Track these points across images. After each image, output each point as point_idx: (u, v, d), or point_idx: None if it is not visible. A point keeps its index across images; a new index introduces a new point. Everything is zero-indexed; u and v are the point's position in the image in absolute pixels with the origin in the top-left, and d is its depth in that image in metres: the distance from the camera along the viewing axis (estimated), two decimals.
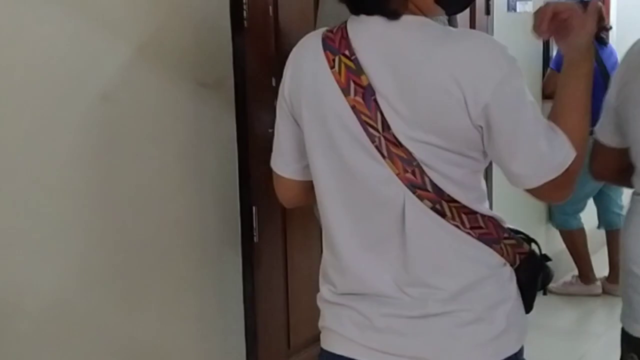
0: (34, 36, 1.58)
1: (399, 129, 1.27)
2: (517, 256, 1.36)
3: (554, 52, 4.13)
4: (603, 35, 3.97)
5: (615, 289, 4.25)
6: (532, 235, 1.42)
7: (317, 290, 2.38)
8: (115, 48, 1.76)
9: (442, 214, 1.29)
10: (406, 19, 1.28)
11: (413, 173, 1.28)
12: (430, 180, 1.28)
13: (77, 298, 1.71)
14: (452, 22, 1.78)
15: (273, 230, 2.27)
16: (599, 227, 4.36)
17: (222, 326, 2.17)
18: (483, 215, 1.33)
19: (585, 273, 4.20)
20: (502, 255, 1.35)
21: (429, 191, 1.28)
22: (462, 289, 1.31)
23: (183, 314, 2.02)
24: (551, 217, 4.37)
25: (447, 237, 1.31)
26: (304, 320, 2.40)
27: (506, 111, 1.24)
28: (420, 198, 1.29)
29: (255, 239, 2.19)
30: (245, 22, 2.09)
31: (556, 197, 1.40)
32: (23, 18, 1.56)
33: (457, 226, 1.30)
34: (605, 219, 4.29)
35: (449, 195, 1.29)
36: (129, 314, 1.85)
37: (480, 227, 1.32)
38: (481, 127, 1.26)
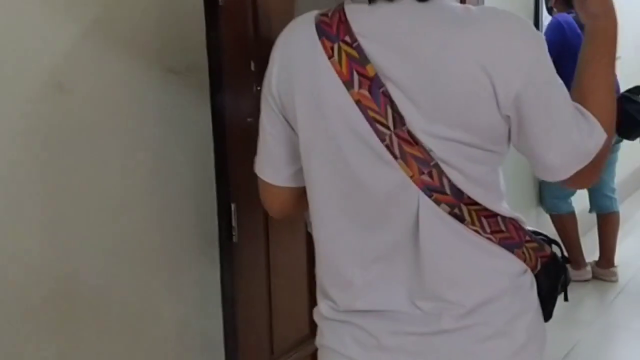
0: None
1: (415, 123, 1.12)
2: (539, 260, 1.25)
3: (543, 30, 4.00)
4: None
5: (605, 273, 4.17)
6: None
7: (302, 292, 2.26)
8: (70, 29, 1.55)
9: (461, 219, 1.17)
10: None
11: (430, 174, 1.14)
12: (450, 182, 1.14)
13: (35, 310, 1.53)
14: None
15: (254, 229, 2.10)
16: (590, 210, 4.26)
17: (200, 331, 2.01)
18: (504, 217, 1.21)
19: (575, 258, 4.11)
20: (524, 261, 1.24)
21: (447, 194, 1.15)
22: (481, 302, 1.20)
23: (157, 320, 1.85)
24: (541, 201, 4.27)
25: (466, 246, 1.19)
26: (287, 324, 2.25)
27: (539, 99, 1.11)
28: (437, 202, 1.15)
29: (235, 239, 2.01)
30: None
31: (585, 184, 1.30)
32: None
33: (476, 232, 1.18)
34: (597, 203, 4.19)
35: (469, 197, 1.16)
36: (98, 322, 1.67)
37: (501, 231, 1.20)
38: (508, 117, 1.12)
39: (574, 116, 1.14)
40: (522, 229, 1.24)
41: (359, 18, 1.14)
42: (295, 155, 1.27)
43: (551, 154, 1.15)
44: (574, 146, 1.15)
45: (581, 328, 3.65)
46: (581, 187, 2.96)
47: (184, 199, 1.90)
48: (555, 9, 3.95)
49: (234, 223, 2.01)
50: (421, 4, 1.13)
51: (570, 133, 1.14)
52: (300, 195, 1.31)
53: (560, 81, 1.14)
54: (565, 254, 1.34)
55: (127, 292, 1.75)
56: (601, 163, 1.21)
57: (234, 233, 2.02)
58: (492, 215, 1.19)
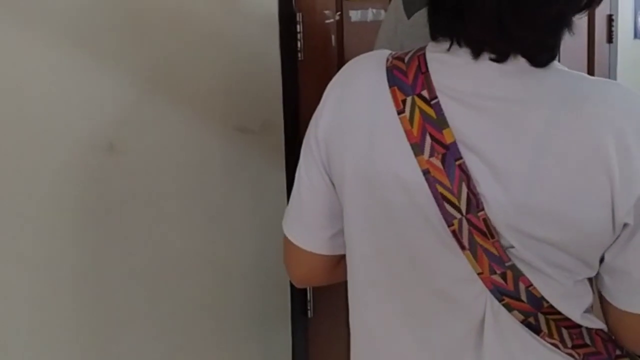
0: (2, 65, 1.28)
1: (499, 212, 0.88)
2: None
3: None
4: None
5: None
6: None
7: None
8: (127, 89, 1.45)
9: (537, 330, 0.94)
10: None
11: (503, 276, 0.91)
12: (527, 288, 0.91)
13: None
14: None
15: (334, 302, 1.90)
16: None
17: None
18: (589, 329, 0.96)
19: None
20: None
21: (522, 300, 0.92)
22: None
23: None
24: None
25: None
26: None
27: None
28: (509, 308, 0.92)
29: (310, 314, 1.82)
30: (299, 54, 1.76)
31: None
32: None
33: (554, 345, 0.94)
34: None
35: (550, 306, 0.92)
36: None
37: (586, 345, 0.96)
38: (624, 226, 0.88)
39: None
40: (612, 340, 0.98)
41: (443, 70, 0.92)
42: (334, 215, 1.04)
43: None
44: None
45: None
46: None
47: (252, 269, 1.74)
48: None
49: (309, 296, 1.83)
50: (532, 68, 0.90)
51: None
52: (335, 265, 1.08)
53: None
54: None
55: None
56: None
57: (309, 307, 1.83)
58: (574, 325, 0.94)
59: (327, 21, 1.83)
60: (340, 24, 1.85)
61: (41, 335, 1.37)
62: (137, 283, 1.52)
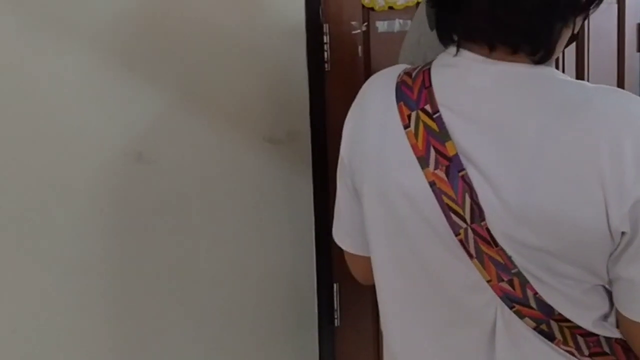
0: (37, 75, 1.33)
1: (496, 222, 0.90)
2: None
3: None
4: None
5: None
6: None
7: None
8: (153, 96, 1.48)
9: (550, 337, 0.94)
10: (529, 68, 0.93)
11: (511, 283, 0.92)
12: (535, 295, 0.92)
13: None
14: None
15: (360, 311, 1.91)
16: None
17: None
18: (608, 338, 0.95)
19: None
20: None
21: (532, 307, 0.92)
22: None
23: None
24: None
25: None
26: None
27: None
28: (520, 315, 0.93)
29: (337, 322, 1.83)
30: (326, 64, 1.78)
31: None
32: (25, 53, 1.31)
33: (570, 352, 0.94)
34: None
35: (560, 314, 0.92)
36: None
37: (604, 354, 0.95)
38: (621, 235, 0.87)
39: None
40: (632, 349, 0.96)
41: (445, 84, 0.95)
42: None
43: None
44: None
45: None
46: None
47: (279, 278, 1.76)
48: None
49: (336, 305, 1.84)
50: (528, 74, 0.91)
51: None
52: None
53: None
54: None
55: None
56: None
57: (335, 316, 1.84)
58: (590, 333, 0.94)
59: (354, 32, 1.85)
60: (367, 34, 1.87)
61: (75, 339, 1.40)
62: (165, 290, 1.54)
